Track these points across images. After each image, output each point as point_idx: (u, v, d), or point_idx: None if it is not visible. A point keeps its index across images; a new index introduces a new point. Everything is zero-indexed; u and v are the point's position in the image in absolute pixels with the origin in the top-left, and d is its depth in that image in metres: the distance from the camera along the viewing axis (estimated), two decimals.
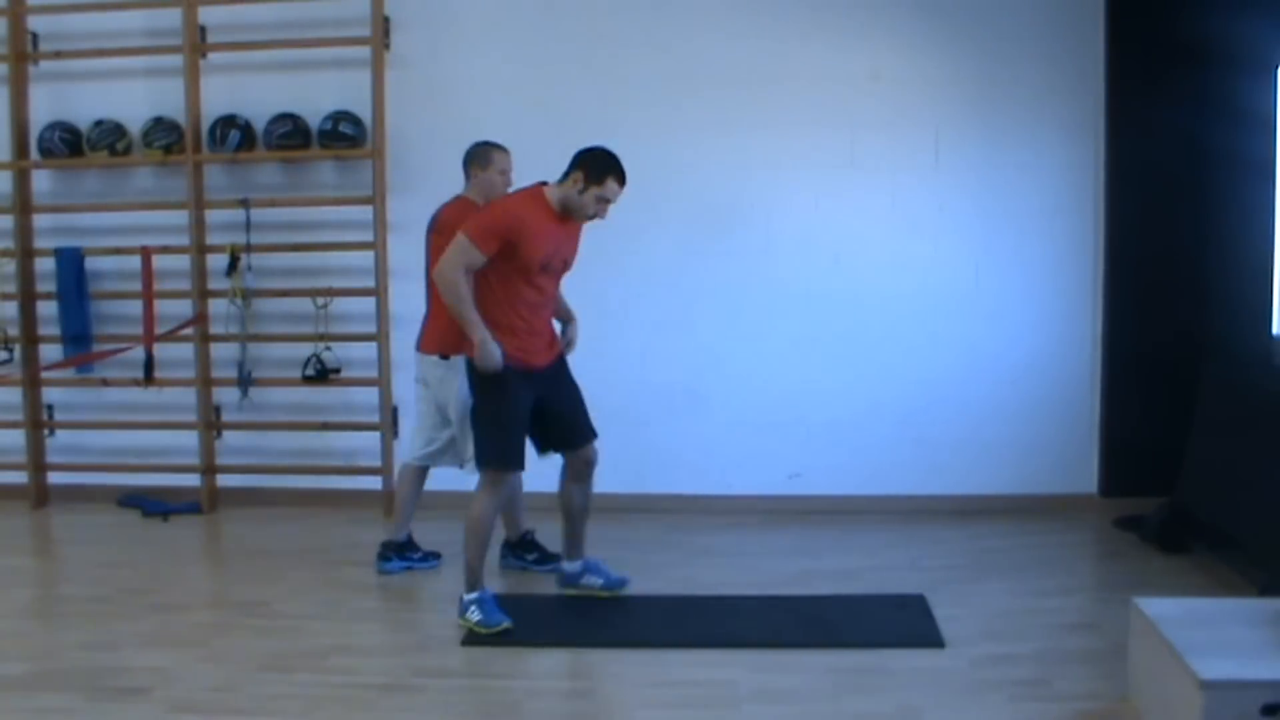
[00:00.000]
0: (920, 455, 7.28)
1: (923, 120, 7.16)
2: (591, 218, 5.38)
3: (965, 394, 7.23)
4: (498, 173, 6.01)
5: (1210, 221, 6.72)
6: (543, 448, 5.56)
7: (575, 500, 5.63)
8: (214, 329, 7.58)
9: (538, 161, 7.27)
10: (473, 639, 5.20)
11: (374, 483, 7.55)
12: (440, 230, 5.92)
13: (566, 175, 5.32)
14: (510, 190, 5.86)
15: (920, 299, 7.22)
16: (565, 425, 5.51)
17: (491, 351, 5.14)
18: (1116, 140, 6.98)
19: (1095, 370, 7.19)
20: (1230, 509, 5.87)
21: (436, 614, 5.46)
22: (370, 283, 7.39)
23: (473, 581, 5.35)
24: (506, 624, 5.25)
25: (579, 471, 5.57)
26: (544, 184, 5.39)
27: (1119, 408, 7.10)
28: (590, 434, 5.55)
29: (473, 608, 5.30)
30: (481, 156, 6.08)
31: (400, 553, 6.23)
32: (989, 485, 7.25)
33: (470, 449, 5.67)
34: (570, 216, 5.35)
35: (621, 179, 5.31)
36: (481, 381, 5.25)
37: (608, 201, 5.32)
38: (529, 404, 5.35)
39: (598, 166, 5.26)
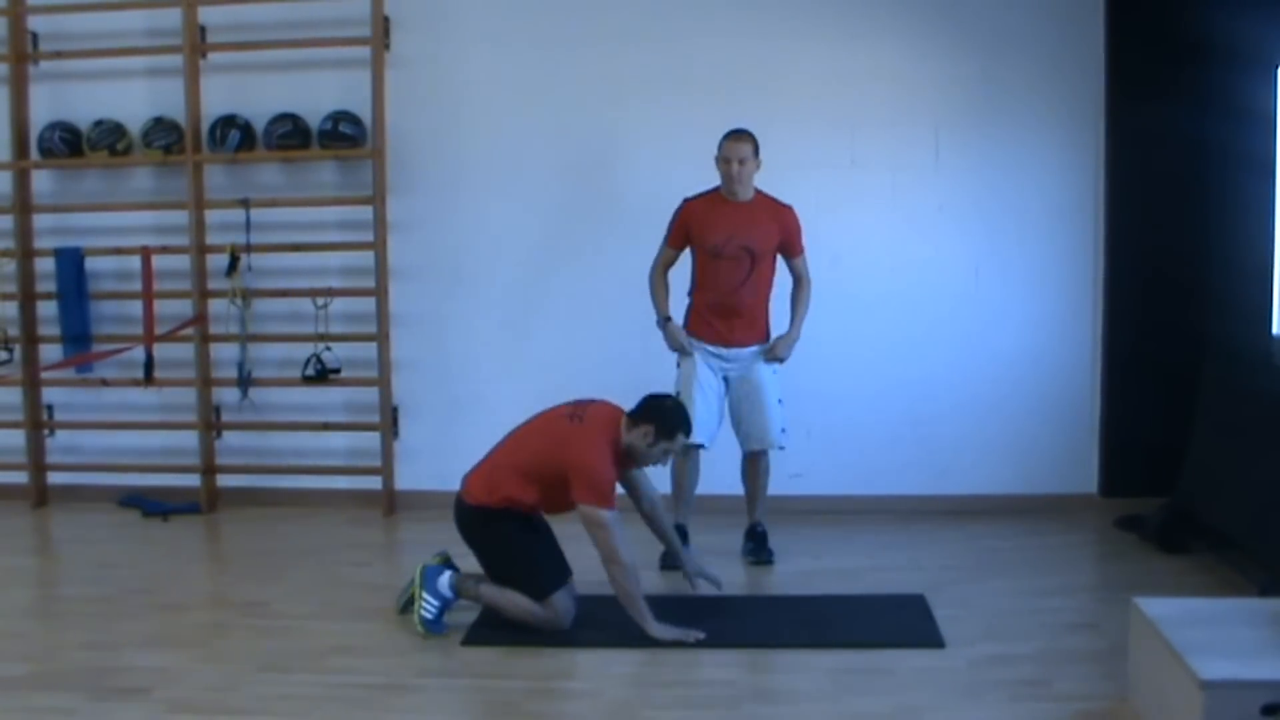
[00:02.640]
0: (920, 455, 7.29)
1: (923, 119, 7.17)
2: (649, 465, 5.49)
3: (965, 394, 7.23)
4: (722, 161, 6.16)
5: (1210, 221, 6.71)
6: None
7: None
8: (214, 329, 7.58)
9: (538, 160, 7.33)
10: (472, 639, 5.20)
11: (374, 483, 7.55)
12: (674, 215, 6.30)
13: (636, 422, 5.31)
14: (738, 175, 6.13)
15: (920, 298, 7.22)
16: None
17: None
18: (1117, 139, 6.98)
19: (1096, 370, 7.19)
20: (1231, 509, 5.87)
21: None
22: (370, 283, 7.39)
23: (466, 595, 5.39)
24: (439, 635, 5.30)
25: None
26: (618, 417, 5.39)
27: (1119, 407, 7.10)
28: None
29: (435, 603, 5.30)
30: (719, 147, 6.22)
31: None
32: (989, 485, 7.25)
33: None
34: (631, 463, 5.42)
35: (689, 433, 5.45)
36: (502, 531, 5.32)
37: (671, 453, 5.43)
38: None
39: (670, 422, 5.32)
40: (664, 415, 5.31)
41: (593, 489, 5.10)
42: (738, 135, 6.14)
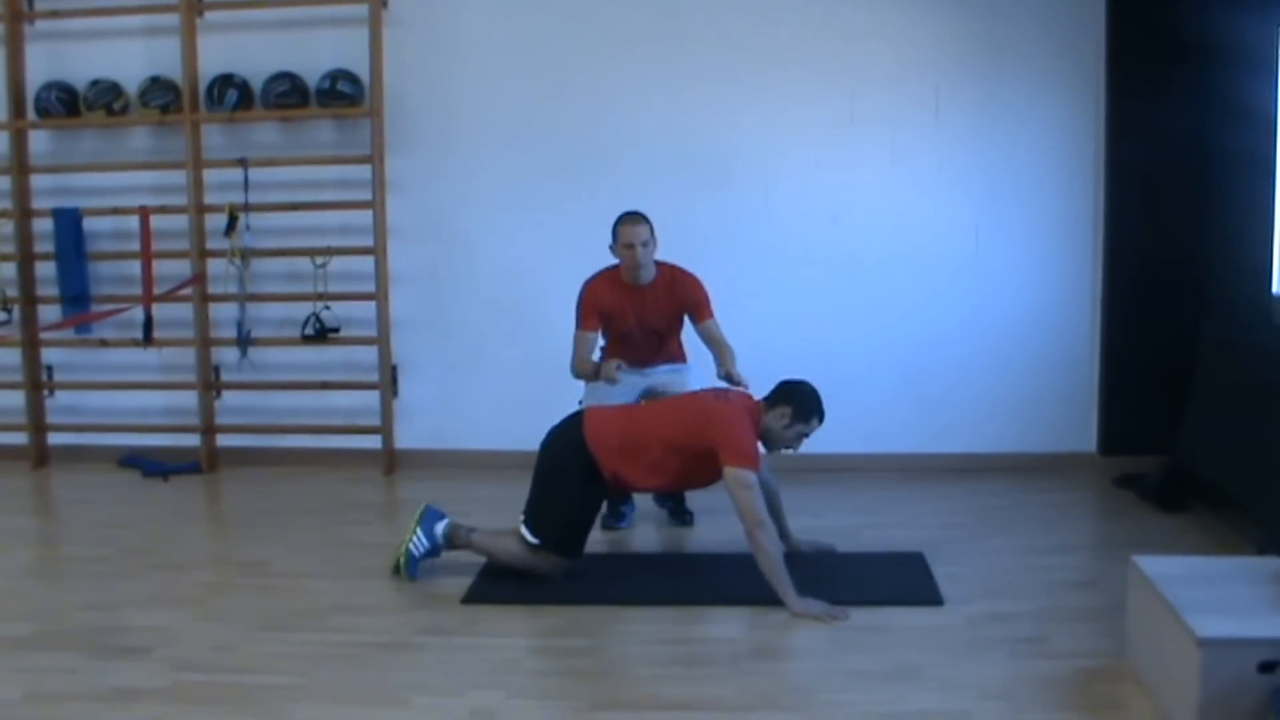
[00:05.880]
0: (920, 413, 7.30)
1: (923, 76, 7.13)
2: (782, 450, 5.51)
3: (965, 352, 7.23)
4: (621, 248, 5.97)
5: (1211, 178, 6.68)
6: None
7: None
8: (213, 289, 7.57)
9: (536, 117, 7.31)
10: (472, 597, 5.22)
11: (373, 442, 7.57)
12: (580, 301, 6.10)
13: (773, 404, 5.40)
14: (642, 259, 5.95)
15: (920, 257, 7.21)
16: None
17: None
18: (1118, 97, 6.95)
19: (1095, 328, 7.19)
20: (1229, 468, 5.88)
21: (436, 573, 5.46)
22: (369, 241, 7.38)
23: (456, 542, 5.47)
24: (411, 578, 5.40)
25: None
26: (757, 404, 5.44)
27: (1119, 366, 7.10)
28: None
29: (425, 544, 5.42)
30: (612, 234, 6.04)
31: None
32: (989, 443, 7.27)
33: None
34: (763, 442, 5.42)
35: (822, 418, 5.43)
36: (582, 486, 5.37)
37: (805, 437, 5.46)
38: None
39: (806, 404, 5.39)
40: (801, 398, 5.40)
41: (740, 453, 5.14)
42: (633, 218, 5.95)
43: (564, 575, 5.36)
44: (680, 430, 5.30)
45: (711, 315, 6.09)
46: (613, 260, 6.08)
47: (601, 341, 6.20)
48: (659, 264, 6.08)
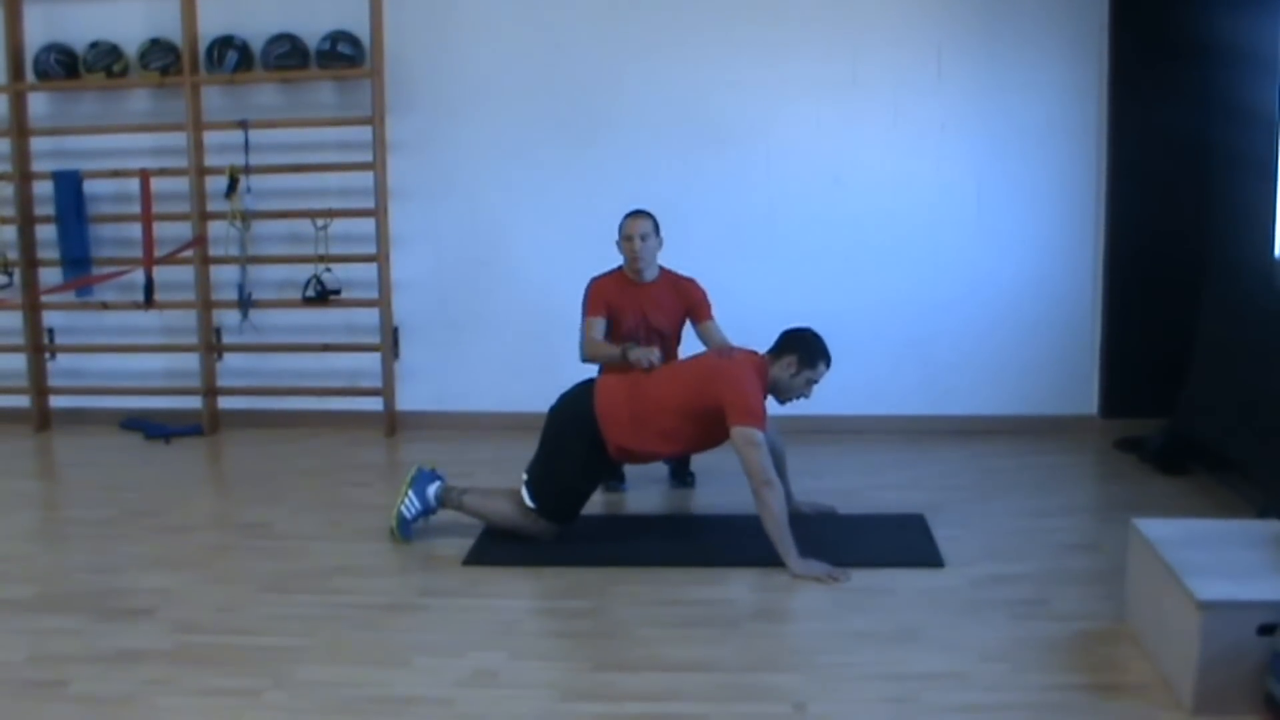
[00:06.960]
0: (921, 375, 7.30)
1: (926, 36, 7.10)
2: (794, 399, 5.48)
3: (967, 314, 7.23)
4: (624, 239, 6.06)
5: (1215, 142, 6.65)
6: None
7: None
8: (213, 251, 7.57)
9: (536, 77, 7.28)
10: (474, 559, 5.23)
11: (375, 404, 7.57)
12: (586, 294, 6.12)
13: (778, 355, 5.38)
14: (641, 251, 6.02)
15: (922, 219, 7.19)
16: None
17: None
18: (1120, 57, 6.92)
19: (1097, 291, 7.18)
20: (1230, 431, 5.88)
21: (437, 534, 5.48)
22: (370, 203, 7.37)
23: (449, 504, 5.51)
24: (404, 540, 5.44)
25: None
26: (763, 358, 5.42)
27: (1120, 329, 7.09)
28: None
29: (418, 505, 5.45)
30: (619, 230, 6.12)
31: None
32: (990, 406, 7.27)
33: None
34: (774, 395, 5.43)
35: (829, 362, 5.41)
36: (585, 456, 5.36)
37: (814, 384, 5.43)
38: None
39: (811, 350, 5.36)
40: (804, 344, 5.38)
41: (748, 411, 5.14)
42: (637, 213, 6.07)
43: (555, 538, 5.38)
44: (689, 391, 5.30)
45: (711, 316, 6.12)
46: (617, 259, 6.14)
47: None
48: (661, 269, 6.15)
